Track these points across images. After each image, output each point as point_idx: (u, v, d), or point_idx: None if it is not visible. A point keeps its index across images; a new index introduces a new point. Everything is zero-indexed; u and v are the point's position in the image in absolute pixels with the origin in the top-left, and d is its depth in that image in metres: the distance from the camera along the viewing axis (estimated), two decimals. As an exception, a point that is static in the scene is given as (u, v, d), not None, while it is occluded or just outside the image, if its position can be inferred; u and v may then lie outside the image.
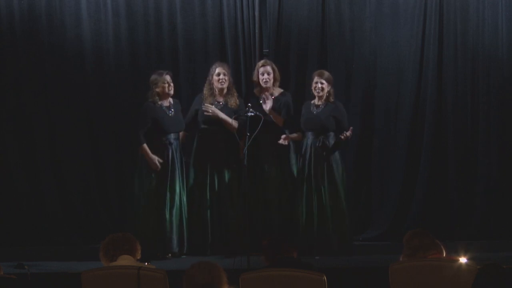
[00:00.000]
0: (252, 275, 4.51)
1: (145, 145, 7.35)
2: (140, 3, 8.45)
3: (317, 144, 7.46)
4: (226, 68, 7.60)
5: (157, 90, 7.41)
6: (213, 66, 7.62)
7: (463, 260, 4.56)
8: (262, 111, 7.40)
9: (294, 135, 7.62)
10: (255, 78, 7.70)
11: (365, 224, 8.39)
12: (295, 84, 8.40)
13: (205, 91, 7.61)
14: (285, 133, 7.56)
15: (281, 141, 7.48)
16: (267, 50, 8.24)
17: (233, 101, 7.56)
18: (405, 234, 4.88)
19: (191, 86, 8.25)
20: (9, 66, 8.40)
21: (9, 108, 8.38)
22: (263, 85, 7.61)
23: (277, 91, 7.71)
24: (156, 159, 7.32)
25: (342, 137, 7.33)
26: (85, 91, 8.44)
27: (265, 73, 7.57)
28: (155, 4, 8.46)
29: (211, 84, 7.58)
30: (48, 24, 8.40)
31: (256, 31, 8.29)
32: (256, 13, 8.29)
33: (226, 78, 7.55)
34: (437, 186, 8.41)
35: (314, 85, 7.51)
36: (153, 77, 7.45)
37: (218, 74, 7.54)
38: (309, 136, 7.52)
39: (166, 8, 8.47)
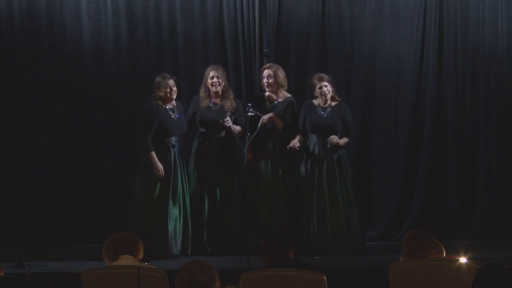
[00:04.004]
0: (252, 275, 4.51)
1: (153, 153, 7.32)
2: (140, 3, 8.46)
3: (327, 146, 7.43)
4: (219, 70, 7.58)
5: (160, 94, 7.40)
6: (208, 69, 7.60)
7: (463, 260, 4.56)
8: (263, 111, 7.39)
9: (299, 138, 7.57)
10: (260, 82, 7.69)
11: (365, 224, 8.38)
12: (295, 84, 8.39)
13: (201, 93, 7.61)
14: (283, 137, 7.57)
15: (292, 145, 7.44)
16: (267, 50, 8.25)
17: (229, 104, 7.55)
18: (405, 234, 4.88)
19: (191, 86, 8.24)
20: (9, 66, 8.40)
21: (9, 108, 8.38)
22: (264, 88, 7.59)
23: (282, 96, 7.64)
24: (161, 167, 7.31)
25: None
26: (85, 91, 8.44)
27: (265, 77, 7.56)
28: (155, 4, 8.46)
29: (206, 86, 7.58)
30: (48, 24, 8.41)
31: (256, 31, 8.29)
32: (256, 13, 8.29)
33: (220, 81, 7.53)
34: (437, 186, 8.42)
35: (318, 90, 7.47)
36: (157, 79, 7.43)
37: (212, 78, 7.53)
38: (313, 138, 7.50)
39: (166, 8, 8.47)
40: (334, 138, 7.38)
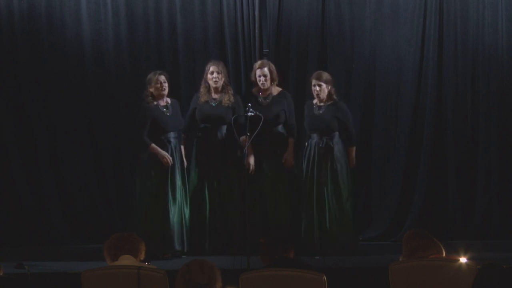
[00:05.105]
0: (252, 275, 4.51)
1: (153, 145, 7.34)
2: (140, 3, 8.46)
3: (320, 145, 7.45)
4: (220, 66, 7.59)
5: (151, 90, 7.43)
6: (208, 64, 7.63)
7: (463, 260, 4.56)
8: (262, 111, 7.39)
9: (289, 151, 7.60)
10: (253, 78, 7.69)
11: (365, 224, 8.38)
12: (295, 84, 8.40)
13: (201, 88, 7.63)
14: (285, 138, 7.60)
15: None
16: (267, 50, 8.24)
17: (227, 98, 7.55)
18: (405, 234, 4.88)
19: (191, 86, 8.25)
20: (9, 66, 8.40)
21: (9, 108, 8.38)
22: (260, 86, 7.60)
23: (275, 90, 7.69)
24: (167, 154, 7.32)
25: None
26: (85, 91, 8.44)
27: (262, 76, 7.56)
28: (155, 4, 8.47)
29: (206, 82, 7.60)
30: (48, 24, 8.41)
31: (256, 31, 8.29)
32: (256, 13, 8.29)
33: (220, 76, 7.55)
34: (437, 186, 8.41)
35: (312, 88, 7.51)
36: (148, 76, 7.47)
37: (212, 73, 7.55)
38: (313, 137, 7.52)
39: (166, 8, 8.47)
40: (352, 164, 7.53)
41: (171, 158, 7.34)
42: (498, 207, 8.34)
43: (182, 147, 7.61)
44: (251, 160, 7.43)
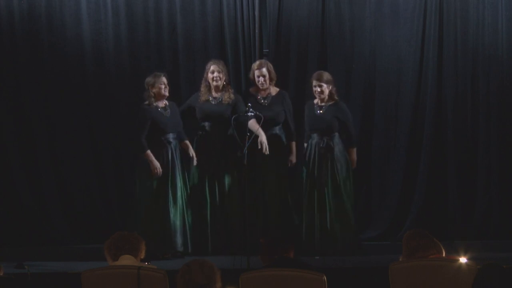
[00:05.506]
0: (252, 275, 4.51)
1: (149, 151, 7.34)
2: (140, 3, 8.46)
3: (321, 145, 7.46)
4: (220, 65, 7.61)
5: (154, 91, 7.44)
6: (209, 64, 7.64)
7: (463, 260, 4.56)
8: (262, 110, 7.40)
9: (293, 153, 7.66)
10: (251, 77, 7.70)
11: (365, 224, 8.38)
12: (295, 84, 8.40)
13: (202, 87, 7.65)
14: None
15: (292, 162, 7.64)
16: (267, 50, 8.25)
17: (227, 96, 7.58)
18: (405, 234, 4.88)
19: (191, 86, 8.25)
20: (9, 66, 8.40)
21: (9, 108, 8.38)
22: (260, 86, 7.61)
23: (274, 90, 7.69)
24: (159, 165, 7.32)
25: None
26: (85, 91, 8.44)
27: (260, 76, 7.57)
28: (155, 4, 8.47)
29: (207, 81, 7.61)
30: (48, 24, 8.41)
31: (256, 31, 8.29)
32: (256, 13, 8.29)
33: (221, 75, 7.57)
34: (437, 186, 8.42)
35: (313, 89, 7.51)
36: (149, 78, 7.49)
37: (213, 72, 7.57)
38: (314, 137, 7.52)
39: (166, 8, 8.47)
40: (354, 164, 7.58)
41: (161, 171, 7.33)
42: (498, 207, 8.34)
43: (188, 142, 7.59)
44: (263, 139, 7.41)
